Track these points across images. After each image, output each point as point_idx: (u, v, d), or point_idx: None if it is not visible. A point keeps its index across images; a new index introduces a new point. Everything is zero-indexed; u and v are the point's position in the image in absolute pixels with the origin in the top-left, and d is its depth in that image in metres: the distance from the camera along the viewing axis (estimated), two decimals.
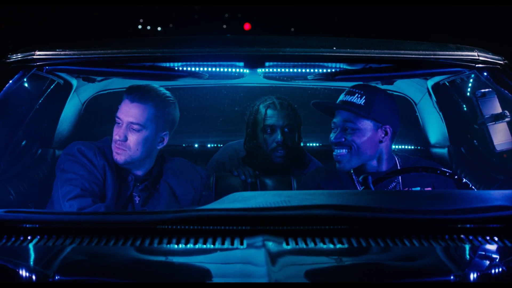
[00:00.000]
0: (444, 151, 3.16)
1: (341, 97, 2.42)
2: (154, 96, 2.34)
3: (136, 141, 2.32)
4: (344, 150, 2.35)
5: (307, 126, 3.22)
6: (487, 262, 1.40)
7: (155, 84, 2.44)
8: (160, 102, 2.35)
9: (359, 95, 2.35)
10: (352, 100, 2.35)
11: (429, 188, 2.35)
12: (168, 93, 2.43)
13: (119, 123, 2.34)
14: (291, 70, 2.58)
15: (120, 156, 2.33)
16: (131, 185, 2.38)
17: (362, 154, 2.35)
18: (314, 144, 3.57)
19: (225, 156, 3.19)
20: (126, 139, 2.32)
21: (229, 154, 3.18)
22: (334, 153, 2.38)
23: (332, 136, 2.39)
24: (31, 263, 1.41)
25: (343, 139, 2.35)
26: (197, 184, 2.49)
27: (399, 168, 2.41)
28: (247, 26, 16.47)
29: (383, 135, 2.37)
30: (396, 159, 2.46)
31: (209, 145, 3.64)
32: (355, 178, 2.38)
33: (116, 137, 2.33)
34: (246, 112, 3.13)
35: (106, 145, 2.40)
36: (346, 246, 1.41)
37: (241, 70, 2.65)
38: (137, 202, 2.38)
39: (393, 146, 2.54)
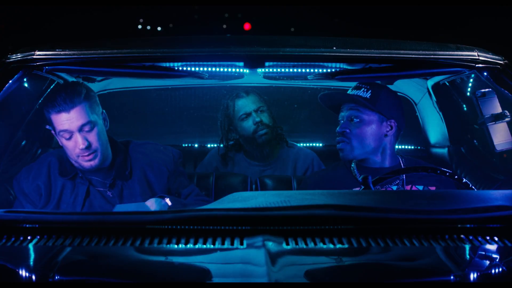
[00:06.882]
0: (444, 151, 3.15)
1: (348, 92, 2.45)
2: (75, 93, 2.27)
3: (98, 138, 2.28)
4: (347, 140, 2.37)
5: (308, 126, 3.21)
6: (487, 262, 1.40)
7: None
8: (82, 92, 2.29)
9: (365, 89, 2.40)
10: (359, 93, 2.40)
11: (433, 188, 2.35)
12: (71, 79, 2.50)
13: (67, 135, 2.26)
14: (291, 70, 2.58)
15: (93, 162, 2.30)
16: (100, 185, 2.37)
17: (366, 145, 2.37)
18: (317, 144, 3.57)
19: (212, 158, 3.24)
20: (89, 143, 2.26)
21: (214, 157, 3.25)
22: (338, 143, 2.41)
23: (338, 127, 2.42)
24: (31, 263, 1.41)
25: (348, 130, 2.38)
26: (170, 164, 2.47)
27: (402, 167, 2.42)
28: (247, 26, 16.46)
29: (388, 129, 2.40)
30: (400, 159, 2.46)
31: (209, 145, 3.63)
32: (357, 173, 2.39)
33: (76, 150, 2.26)
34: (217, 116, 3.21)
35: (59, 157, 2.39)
36: (346, 246, 1.41)
37: (241, 70, 2.64)
38: (111, 196, 2.36)
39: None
